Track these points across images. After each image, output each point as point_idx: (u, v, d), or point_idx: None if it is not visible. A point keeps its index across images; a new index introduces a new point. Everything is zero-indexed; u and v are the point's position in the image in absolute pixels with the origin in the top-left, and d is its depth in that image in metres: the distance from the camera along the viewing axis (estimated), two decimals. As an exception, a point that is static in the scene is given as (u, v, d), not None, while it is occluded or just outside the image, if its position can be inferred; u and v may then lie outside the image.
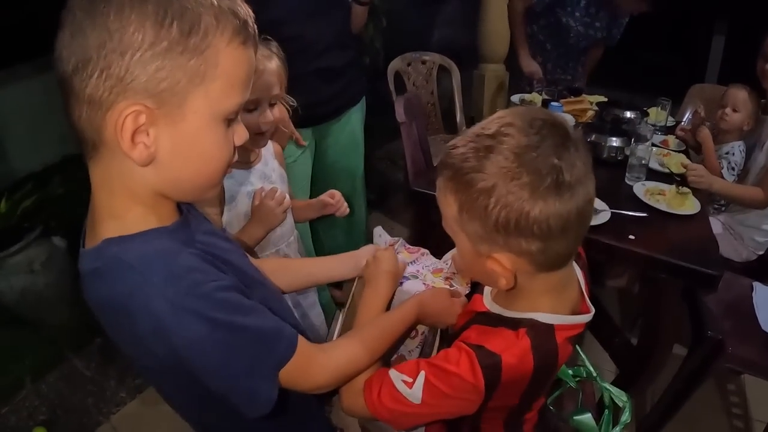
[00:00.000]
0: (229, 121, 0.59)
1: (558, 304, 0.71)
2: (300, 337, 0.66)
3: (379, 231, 1.02)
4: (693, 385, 1.59)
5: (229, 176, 1.08)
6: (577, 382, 0.96)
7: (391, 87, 2.70)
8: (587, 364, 0.98)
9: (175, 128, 0.54)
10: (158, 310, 0.55)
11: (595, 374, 0.95)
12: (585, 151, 0.63)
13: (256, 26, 0.58)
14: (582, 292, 0.77)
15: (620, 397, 0.90)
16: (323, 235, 1.98)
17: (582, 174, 0.61)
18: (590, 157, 0.64)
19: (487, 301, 0.79)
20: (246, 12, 0.57)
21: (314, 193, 1.88)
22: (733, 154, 1.96)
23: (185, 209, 0.67)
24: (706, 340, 1.51)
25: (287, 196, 1.15)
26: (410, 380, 0.68)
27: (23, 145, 3.36)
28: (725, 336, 1.51)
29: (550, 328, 0.69)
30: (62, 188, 2.25)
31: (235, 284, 0.62)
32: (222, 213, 1.09)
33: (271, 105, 1.05)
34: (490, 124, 0.64)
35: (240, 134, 0.61)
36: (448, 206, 0.66)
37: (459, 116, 2.84)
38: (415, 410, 0.69)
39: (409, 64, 2.82)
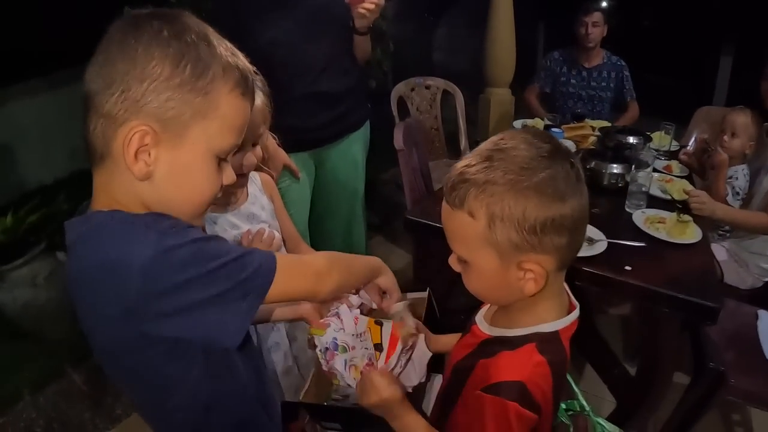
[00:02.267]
0: (220, 160, 0.67)
1: (559, 308, 0.76)
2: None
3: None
4: (695, 417, 1.55)
5: (213, 222, 1.07)
6: (569, 417, 0.95)
7: (395, 112, 2.71)
8: (580, 398, 0.98)
9: (173, 153, 0.63)
10: (148, 245, 0.60)
11: (587, 408, 0.95)
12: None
13: (257, 81, 0.67)
14: (567, 291, 0.81)
15: (613, 432, 0.90)
16: None
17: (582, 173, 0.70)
18: None
19: (485, 327, 0.80)
20: (247, 68, 0.67)
21: (313, 216, 1.89)
22: (737, 178, 1.93)
23: None
24: (708, 371, 1.48)
25: (276, 234, 1.14)
26: None
27: (34, 159, 3.42)
28: (728, 367, 1.48)
29: (555, 334, 0.73)
30: (68, 204, 2.28)
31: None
32: None
33: (254, 145, 1.05)
34: (501, 140, 0.69)
35: (228, 175, 0.69)
36: (473, 224, 0.68)
37: (463, 141, 2.84)
38: None
39: (412, 89, 2.83)
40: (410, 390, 0.95)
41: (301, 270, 0.75)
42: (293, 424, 1.03)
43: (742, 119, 1.92)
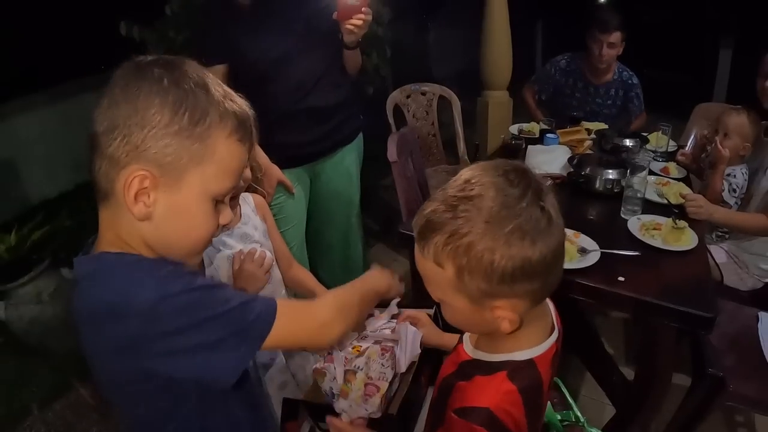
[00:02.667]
0: (217, 202, 0.70)
1: (541, 332, 0.75)
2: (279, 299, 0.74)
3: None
4: (695, 422, 1.55)
5: None
6: (564, 427, 0.97)
7: (391, 120, 2.69)
8: (575, 409, 0.99)
9: (171, 196, 0.65)
10: (148, 290, 0.63)
11: (582, 420, 0.96)
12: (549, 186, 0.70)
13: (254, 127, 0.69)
14: (552, 308, 0.80)
15: (607, 443, 0.92)
16: (321, 271, 2.00)
17: (557, 207, 0.67)
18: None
19: (469, 348, 0.80)
20: (244, 113, 0.69)
21: (309, 229, 1.91)
22: (735, 176, 1.89)
23: None
24: (707, 377, 1.48)
25: (268, 254, 1.16)
26: None
27: (37, 173, 3.45)
28: (728, 372, 1.47)
29: (530, 362, 0.72)
30: (71, 220, 2.31)
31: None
32: None
33: None
34: (468, 185, 0.66)
35: (226, 215, 0.72)
36: (443, 272, 0.66)
37: (461, 146, 2.82)
38: None
39: (408, 96, 2.81)
40: (404, 369, 0.96)
41: (303, 319, 0.76)
42: (290, 423, 1.05)
43: (735, 120, 1.88)
